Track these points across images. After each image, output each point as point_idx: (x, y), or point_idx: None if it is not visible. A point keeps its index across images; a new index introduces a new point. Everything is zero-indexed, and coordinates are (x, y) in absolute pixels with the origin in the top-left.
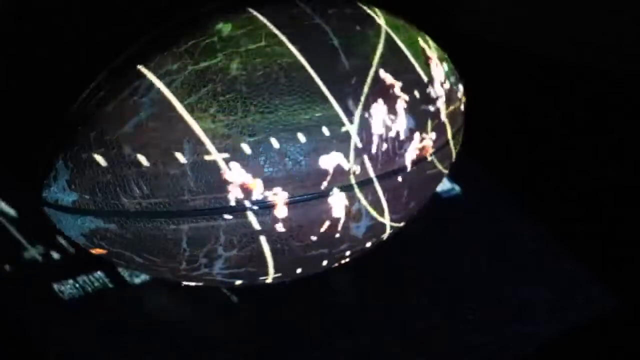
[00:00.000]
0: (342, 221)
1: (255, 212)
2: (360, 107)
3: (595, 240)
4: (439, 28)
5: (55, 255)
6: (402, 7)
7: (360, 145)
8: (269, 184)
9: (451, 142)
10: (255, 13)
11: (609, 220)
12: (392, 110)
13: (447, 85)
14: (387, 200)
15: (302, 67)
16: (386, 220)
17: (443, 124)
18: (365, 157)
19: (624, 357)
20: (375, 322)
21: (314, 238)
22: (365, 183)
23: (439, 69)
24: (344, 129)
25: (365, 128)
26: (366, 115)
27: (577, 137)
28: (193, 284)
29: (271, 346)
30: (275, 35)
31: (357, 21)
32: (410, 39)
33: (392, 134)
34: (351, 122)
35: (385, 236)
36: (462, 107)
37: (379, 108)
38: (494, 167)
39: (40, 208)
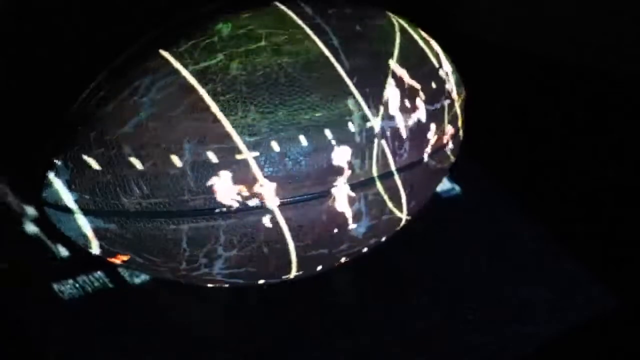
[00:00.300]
0: (342, 221)
1: (255, 212)
2: (382, 102)
3: (595, 240)
4: (439, 28)
5: (56, 255)
6: (402, 7)
7: (383, 139)
8: (269, 184)
9: (460, 132)
10: (282, 7)
11: (609, 220)
12: (412, 102)
13: (455, 76)
14: (406, 193)
15: (329, 62)
16: (403, 214)
17: (456, 114)
18: (388, 150)
19: (624, 357)
20: (375, 322)
21: (314, 238)
22: (386, 176)
23: (446, 61)
24: (368, 124)
25: (387, 122)
26: (388, 109)
27: (577, 137)
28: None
29: (271, 346)
30: (300, 30)
31: (357, 21)
32: (418, 32)
33: (413, 126)
34: (375, 116)
35: (398, 228)
36: (464, 98)
37: (400, 102)
38: (494, 167)
39: (40, 208)
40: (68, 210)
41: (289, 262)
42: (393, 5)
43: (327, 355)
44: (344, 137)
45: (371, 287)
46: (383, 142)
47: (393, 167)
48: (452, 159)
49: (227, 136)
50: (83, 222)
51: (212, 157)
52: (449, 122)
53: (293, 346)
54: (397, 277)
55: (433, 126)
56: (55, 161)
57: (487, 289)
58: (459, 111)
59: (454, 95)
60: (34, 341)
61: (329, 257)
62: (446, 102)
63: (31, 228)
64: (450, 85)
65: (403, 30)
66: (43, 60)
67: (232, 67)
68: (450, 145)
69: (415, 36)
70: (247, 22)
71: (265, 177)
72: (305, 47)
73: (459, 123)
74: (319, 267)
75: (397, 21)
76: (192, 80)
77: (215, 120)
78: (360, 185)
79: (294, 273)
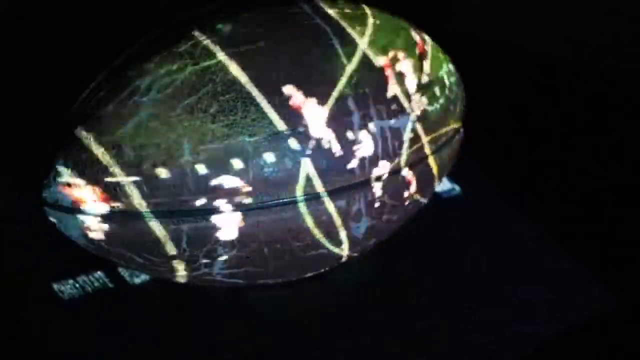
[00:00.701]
0: (342, 221)
1: (256, 212)
2: (366, 105)
3: (595, 240)
4: (437, 28)
5: (55, 255)
6: (401, 7)
7: (363, 145)
8: (269, 185)
9: (434, 169)
10: (282, 7)
11: (609, 220)
12: (352, 125)
13: (435, 105)
14: (344, 223)
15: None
16: (343, 249)
17: (422, 149)
18: (314, 170)
19: (624, 357)
20: (375, 322)
21: (313, 238)
22: (315, 197)
23: (418, 97)
24: (351, 126)
25: (371, 126)
26: (372, 114)
27: (577, 137)
28: None
29: (271, 346)
30: (300, 30)
31: (359, 22)
32: (394, 49)
33: (394, 133)
34: (359, 120)
35: (337, 265)
36: (451, 127)
37: (381, 107)
38: (494, 167)
39: (40, 208)
40: (68, 210)
41: (289, 262)
42: (393, 6)
43: (327, 355)
44: (345, 136)
45: (371, 287)
46: (309, 161)
47: (322, 189)
48: (418, 197)
49: (227, 136)
50: (83, 222)
51: (213, 157)
52: (412, 155)
53: (293, 346)
54: (397, 277)
55: (380, 152)
56: (55, 161)
57: (487, 289)
58: (427, 148)
59: (421, 129)
60: (34, 341)
61: (328, 257)
62: (407, 136)
63: None
64: (416, 111)
65: (365, 55)
66: (43, 60)
67: (232, 67)
68: (412, 186)
69: (377, 62)
70: (247, 22)
71: (265, 177)
72: (305, 46)
73: (431, 162)
74: (320, 267)
75: (366, 35)
76: (192, 80)
77: (215, 120)
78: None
79: (294, 273)
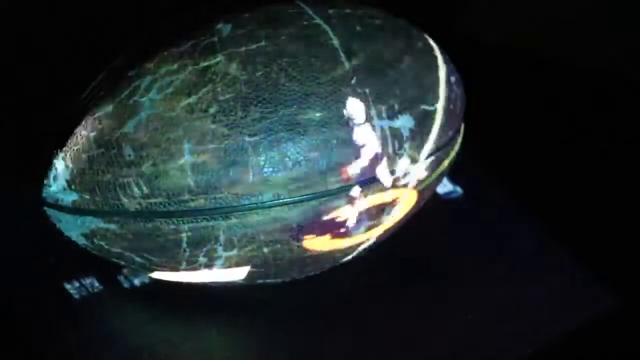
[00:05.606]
0: (342, 221)
1: (255, 212)
2: (366, 106)
3: (595, 240)
4: (439, 28)
5: (56, 255)
6: (401, 7)
7: (362, 145)
8: (269, 184)
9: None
10: (282, 7)
11: (609, 220)
12: (392, 110)
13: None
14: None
15: (330, 62)
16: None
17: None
18: (390, 152)
19: (624, 357)
20: (375, 321)
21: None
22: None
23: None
24: (351, 127)
25: (370, 127)
26: (372, 114)
27: (577, 137)
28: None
29: (272, 345)
30: (301, 29)
31: (359, 22)
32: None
33: (394, 134)
34: (379, 117)
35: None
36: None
37: (381, 108)
38: (494, 167)
39: (40, 208)
40: (68, 210)
41: (289, 262)
42: (393, 6)
43: (327, 355)
44: (345, 137)
45: (371, 287)
46: (389, 139)
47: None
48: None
49: (227, 136)
50: (83, 222)
51: (212, 157)
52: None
53: (294, 346)
54: (397, 277)
55: (380, 153)
56: (55, 161)
57: (487, 289)
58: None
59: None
60: (34, 341)
61: (329, 257)
62: (407, 136)
63: None
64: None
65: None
66: (43, 60)
67: (232, 67)
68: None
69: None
70: (247, 22)
71: (265, 177)
72: (306, 46)
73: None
74: (320, 267)
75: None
76: (192, 80)
77: (215, 120)
78: (365, 182)
79: (293, 273)
